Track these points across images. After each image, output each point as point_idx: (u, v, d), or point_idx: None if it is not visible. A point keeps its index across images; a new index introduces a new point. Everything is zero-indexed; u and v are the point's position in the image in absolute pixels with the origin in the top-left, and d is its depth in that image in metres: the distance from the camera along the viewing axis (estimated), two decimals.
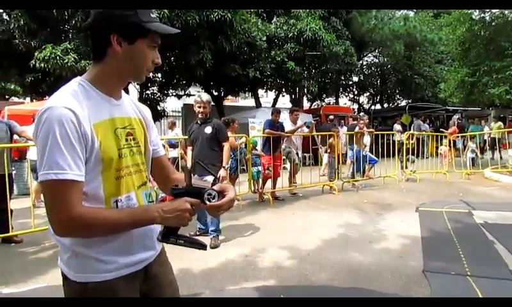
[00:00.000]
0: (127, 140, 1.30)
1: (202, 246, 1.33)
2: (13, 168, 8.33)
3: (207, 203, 1.26)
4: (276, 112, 8.16)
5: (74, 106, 1.14)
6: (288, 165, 8.56)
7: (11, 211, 5.04)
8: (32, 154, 7.17)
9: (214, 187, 1.29)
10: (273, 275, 3.82)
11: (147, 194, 1.39)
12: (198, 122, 4.98)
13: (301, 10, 14.13)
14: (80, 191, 1.14)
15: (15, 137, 7.01)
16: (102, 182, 1.22)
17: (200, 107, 4.83)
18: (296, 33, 13.56)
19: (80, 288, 1.22)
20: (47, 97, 13.57)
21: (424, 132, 12.91)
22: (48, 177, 1.08)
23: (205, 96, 4.91)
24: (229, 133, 7.64)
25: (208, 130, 4.83)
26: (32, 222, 5.08)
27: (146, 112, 1.47)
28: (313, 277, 3.76)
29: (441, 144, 12.11)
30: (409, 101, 22.60)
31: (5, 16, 11.87)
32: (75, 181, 1.11)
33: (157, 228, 1.34)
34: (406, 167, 10.38)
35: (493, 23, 12.12)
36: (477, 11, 12.40)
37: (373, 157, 9.90)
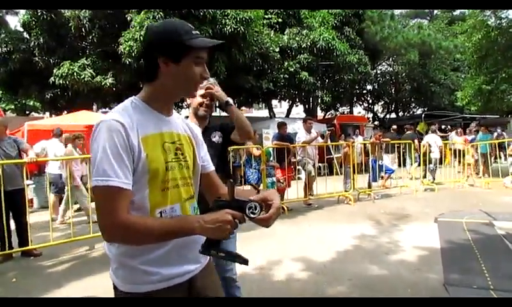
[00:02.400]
0: (176, 154, 1.36)
1: (244, 261, 1.31)
2: (32, 182, 8.54)
3: (251, 216, 1.25)
4: (283, 125, 8.21)
5: (124, 120, 1.22)
6: (303, 176, 8.52)
7: (28, 224, 5.12)
8: (51, 168, 7.30)
9: (255, 198, 1.29)
10: (289, 288, 3.78)
11: (195, 207, 1.44)
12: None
13: (313, 20, 14.17)
14: (127, 198, 1.20)
15: (37, 150, 7.18)
16: (148, 193, 1.27)
17: (205, 97, 2.66)
18: (308, 43, 13.60)
19: (126, 298, 1.29)
20: (65, 112, 13.89)
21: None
22: (97, 183, 1.17)
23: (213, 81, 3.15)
24: (249, 144, 7.74)
25: (216, 137, 2.95)
26: (51, 236, 5.15)
27: (196, 130, 1.56)
28: (330, 290, 3.70)
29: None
30: (425, 109, 22.34)
31: (25, 35, 12.25)
32: (121, 188, 1.17)
33: (202, 241, 1.33)
34: (425, 177, 10.21)
35: (510, 30, 11.94)
36: (493, 18, 12.25)
37: (389, 166, 9.78)
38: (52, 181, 7.22)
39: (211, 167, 1.59)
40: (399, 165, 10.84)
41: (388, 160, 10.68)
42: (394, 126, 13.79)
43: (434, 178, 10.70)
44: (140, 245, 1.26)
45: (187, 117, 2.46)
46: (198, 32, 1.35)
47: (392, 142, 10.92)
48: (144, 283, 1.28)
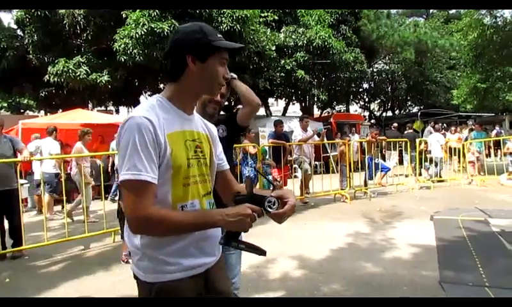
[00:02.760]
0: (195, 151, 1.43)
1: (262, 252, 1.39)
2: (27, 181, 8.48)
3: (268, 210, 1.32)
4: (280, 123, 8.18)
5: (151, 117, 1.29)
6: (299, 174, 8.51)
7: (21, 224, 5.06)
8: (45, 167, 7.22)
9: (273, 194, 1.36)
10: (285, 287, 3.77)
11: (211, 202, 1.50)
12: None
13: (310, 18, 14.15)
14: (153, 192, 1.27)
15: (31, 149, 7.09)
16: (171, 188, 1.34)
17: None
18: (305, 42, 13.59)
19: (148, 287, 1.35)
20: (60, 110, 13.80)
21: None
22: (126, 177, 1.23)
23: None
24: (246, 142, 7.71)
25: (220, 131, 2.53)
26: (45, 236, 5.11)
27: (213, 129, 1.63)
28: (326, 289, 3.69)
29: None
30: (421, 107, 22.40)
31: (19, 32, 12.15)
32: (149, 182, 1.24)
33: (218, 235, 1.43)
34: (420, 174, 10.23)
35: (505, 29, 11.98)
36: (489, 16, 12.28)
37: (385, 164, 9.80)
38: (47, 180, 7.15)
39: (226, 166, 1.66)
40: (401, 163, 10.91)
41: (396, 157, 10.88)
42: (395, 124, 13.90)
43: (440, 176, 10.79)
44: (166, 236, 1.32)
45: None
46: (221, 36, 1.43)
47: (388, 140, 11.01)
48: (166, 272, 1.33)
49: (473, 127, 12.06)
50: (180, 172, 1.35)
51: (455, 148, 11.46)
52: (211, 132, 1.59)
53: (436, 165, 10.85)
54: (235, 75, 2.46)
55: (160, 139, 1.28)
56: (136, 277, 1.40)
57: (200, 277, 1.42)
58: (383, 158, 11.09)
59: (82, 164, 6.68)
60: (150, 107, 1.35)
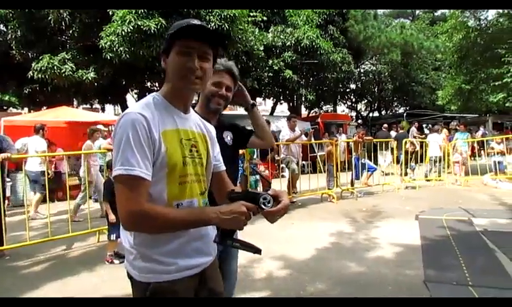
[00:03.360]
0: (191, 151, 1.41)
1: (257, 250, 1.39)
2: (9, 180, 8.31)
3: (263, 207, 1.30)
4: (267, 123, 8.16)
5: (146, 113, 1.28)
6: (287, 174, 8.52)
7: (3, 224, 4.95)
8: (31, 165, 7.08)
9: (269, 192, 1.34)
10: (270, 287, 3.76)
11: (205, 202, 1.48)
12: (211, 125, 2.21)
13: (298, 19, 14.18)
14: (146, 188, 1.25)
15: (18, 146, 6.95)
16: (166, 185, 1.32)
17: (219, 86, 2.12)
18: (293, 42, 13.61)
19: (143, 287, 1.32)
20: (44, 107, 13.56)
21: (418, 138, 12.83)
22: (119, 172, 1.22)
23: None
24: None
25: (227, 138, 2.31)
26: (27, 235, 5.01)
27: (211, 129, 1.61)
28: (312, 289, 3.70)
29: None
30: (407, 108, 22.67)
31: (2, 27, 11.89)
32: (142, 178, 1.23)
33: (214, 234, 1.43)
34: (406, 174, 10.35)
35: (488, 31, 12.19)
36: (473, 19, 12.48)
37: (372, 164, 9.88)
38: (34, 179, 7.03)
39: (222, 167, 1.65)
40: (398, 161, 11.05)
41: (390, 156, 11.06)
42: (385, 125, 14.24)
43: (439, 174, 11.04)
44: (159, 233, 1.31)
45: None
46: (194, 24, 1.33)
47: (375, 140, 11.11)
48: (161, 272, 1.32)
49: (458, 128, 12.24)
50: (175, 170, 1.33)
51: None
52: (209, 132, 1.58)
53: (434, 163, 11.08)
54: (256, 102, 2.38)
55: (155, 135, 1.27)
56: (130, 276, 1.38)
57: (195, 277, 1.41)
58: (376, 157, 11.26)
59: (91, 161, 6.71)
60: (146, 104, 1.34)
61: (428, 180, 10.62)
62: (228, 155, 2.09)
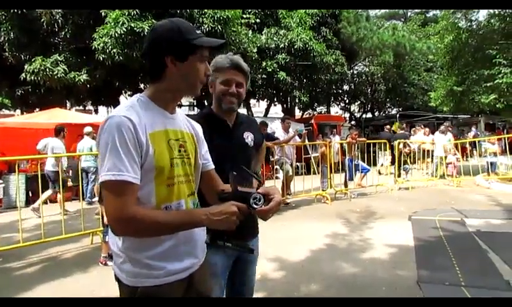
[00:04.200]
0: (179, 151, 1.40)
1: (250, 250, 1.42)
2: (2, 181, 8.26)
3: (254, 206, 1.31)
4: (263, 124, 8.19)
5: (132, 116, 1.26)
6: (281, 175, 8.53)
7: None
8: (47, 166, 7.37)
9: (259, 191, 1.34)
10: (264, 288, 3.76)
11: (195, 202, 1.48)
12: (227, 125, 2.06)
13: (291, 20, 14.22)
14: (135, 192, 1.24)
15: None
16: (154, 188, 1.31)
17: (228, 84, 2.02)
18: (286, 44, 13.64)
19: (130, 291, 1.31)
20: (37, 109, 13.46)
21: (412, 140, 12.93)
22: (107, 178, 1.20)
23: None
24: None
25: (249, 138, 2.13)
26: (20, 236, 4.96)
27: (198, 128, 1.60)
28: (305, 290, 3.71)
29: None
30: (400, 109, 22.81)
31: None
32: (130, 182, 1.21)
33: (202, 237, 1.44)
34: (399, 176, 10.41)
35: (480, 32, 12.30)
36: (464, 20, 12.58)
37: (365, 165, 9.93)
38: (52, 178, 7.34)
39: (211, 166, 1.63)
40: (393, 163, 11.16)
41: (389, 157, 11.20)
42: (388, 126, 14.66)
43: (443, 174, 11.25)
44: (150, 236, 1.30)
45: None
46: (201, 32, 1.40)
47: (368, 141, 11.16)
48: (149, 277, 1.31)
49: (450, 129, 12.37)
50: (163, 172, 1.31)
51: (428, 150, 11.94)
52: (196, 131, 1.57)
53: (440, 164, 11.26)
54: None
55: (142, 138, 1.25)
56: (117, 279, 1.37)
57: (183, 281, 1.39)
58: (375, 158, 11.37)
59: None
60: (131, 106, 1.31)
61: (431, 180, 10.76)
62: (248, 155, 2.10)
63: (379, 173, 10.94)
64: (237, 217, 1.29)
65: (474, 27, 12.51)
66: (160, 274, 1.32)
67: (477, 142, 13.58)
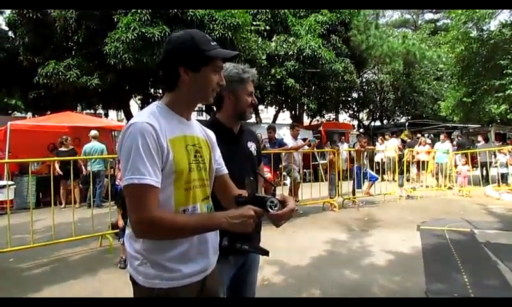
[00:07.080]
0: (195, 156, 1.45)
1: (266, 252, 1.45)
2: (13, 182, 8.36)
3: (270, 211, 1.35)
4: (272, 129, 8.22)
5: (153, 122, 1.31)
6: (288, 182, 8.54)
7: None
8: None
9: (277, 197, 1.39)
10: (266, 293, 3.77)
11: (209, 207, 1.52)
12: (234, 133, 2.09)
13: (300, 28, 14.28)
14: (157, 196, 1.28)
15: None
16: (173, 192, 1.36)
17: (252, 96, 2.14)
18: (295, 51, 13.68)
19: (147, 292, 1.35)
20: (48, 112, 13.65)
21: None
22: (131, 181, 1.25)
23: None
24: None
25: (252, 147, 2.20)
26: (31, 237, 5.03)
27: (212, 134, 1.65)
28: (307, 295, 3.71)
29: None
30: (409, 117, 22.70)
31: (10, 34, 12.05)
32: (153, 186, 1.26)
33: (214, 240, 1.48)
34: (402, 185, 10.31)
35: (491, 42, 12.23)
36: (475, 29, 12.54)
37: (373, 174, 9.89)
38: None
39: (225, 170, 1.67)
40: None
41: None
42: (406, 132, 14.84)
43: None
44: (171, 238, 1.34)
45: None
46: (216, 43, 1.45)
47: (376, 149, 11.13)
48: (166, 279, 1.35)
49: (459, 138, 12.29)
50: (182, 176, 1.36)
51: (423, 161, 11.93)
52: (210, 137, 1.62)
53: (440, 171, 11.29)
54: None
55: (163, 143, 1.30)
56: (133, 281, 1.40)
57: (197, 284, 1.43)
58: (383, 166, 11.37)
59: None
60: (151, 113, 1.37)
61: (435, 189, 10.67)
62: (252, 164, 2.15)
63: (383, 179, 10.85)
64: (254, 220, 1.34)
65: (485, 36, 12.45)
66: (176, 276, 1.36)
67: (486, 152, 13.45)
